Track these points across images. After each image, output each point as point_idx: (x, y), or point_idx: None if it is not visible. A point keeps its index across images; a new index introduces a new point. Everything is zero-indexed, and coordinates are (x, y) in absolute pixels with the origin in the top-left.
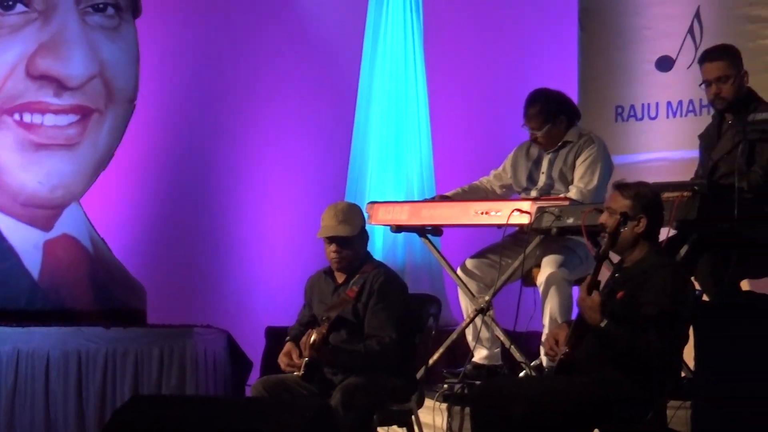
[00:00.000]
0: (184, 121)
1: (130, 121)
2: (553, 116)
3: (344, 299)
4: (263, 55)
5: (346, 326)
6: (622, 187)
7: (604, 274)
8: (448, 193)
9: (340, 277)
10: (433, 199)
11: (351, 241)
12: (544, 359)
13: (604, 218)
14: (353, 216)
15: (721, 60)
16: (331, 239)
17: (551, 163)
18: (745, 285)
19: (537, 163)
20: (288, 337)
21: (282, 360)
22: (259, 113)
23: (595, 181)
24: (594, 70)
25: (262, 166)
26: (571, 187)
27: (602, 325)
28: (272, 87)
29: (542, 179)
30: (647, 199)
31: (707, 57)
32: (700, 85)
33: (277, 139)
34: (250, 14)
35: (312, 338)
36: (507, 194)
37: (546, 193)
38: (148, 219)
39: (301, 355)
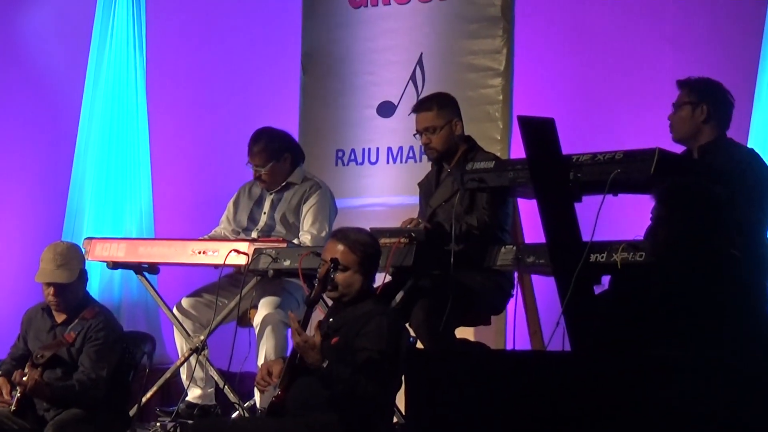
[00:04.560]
0: None
1: None
2: (277, 154)
3: (60, 342)
4: None
5: (60, 365)
6: (342, 237)
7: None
8: None
9: (58, 317)
10: None
11: (70, 286)
12: (257, 400)
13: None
14: (72, 259)
15: (429, 111)
16: (49, 283)
17: (274, 205)
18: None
19: (259, 202)
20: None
21: None
22: None
23: (326, 228)
24: (315, 112)
25: None
26: (302, 233)
27: (324, 365)
28: None
29: (263, 219)
30: (372, 250)
31: (417, 108)
32: (414, 135)
33: None
34: None
35: (26, 374)
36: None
37: (266, 234)
38: None
39: (14, 389)
